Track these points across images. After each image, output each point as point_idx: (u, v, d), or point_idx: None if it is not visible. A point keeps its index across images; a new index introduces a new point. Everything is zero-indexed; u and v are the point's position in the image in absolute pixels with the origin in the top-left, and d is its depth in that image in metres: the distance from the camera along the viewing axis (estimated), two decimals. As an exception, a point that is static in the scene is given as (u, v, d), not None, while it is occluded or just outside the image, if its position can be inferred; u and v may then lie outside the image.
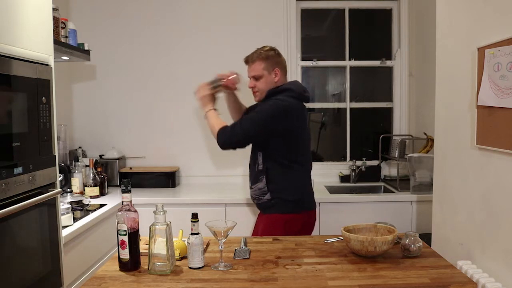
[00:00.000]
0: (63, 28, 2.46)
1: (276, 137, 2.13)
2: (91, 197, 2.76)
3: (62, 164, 2.79)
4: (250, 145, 2.27)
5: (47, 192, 1.73)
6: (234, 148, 2.16)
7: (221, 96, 2.38)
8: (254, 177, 2.25)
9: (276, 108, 2.09)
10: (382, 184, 3.28)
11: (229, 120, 2.31)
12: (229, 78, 2.26)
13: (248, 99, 2.42)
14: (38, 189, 1.70)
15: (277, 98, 2.13)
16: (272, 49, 2.24)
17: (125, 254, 1.49)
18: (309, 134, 2.34)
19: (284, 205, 2.16)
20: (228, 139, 2.12)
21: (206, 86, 2.25)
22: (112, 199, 2.76)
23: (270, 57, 2.19)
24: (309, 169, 2.31)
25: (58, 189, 1.83)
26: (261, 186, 2.19)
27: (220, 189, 3.14)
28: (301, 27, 3.46)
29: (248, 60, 2.24)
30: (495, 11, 1.63)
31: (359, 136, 3.56)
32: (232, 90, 2.33)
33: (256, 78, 2.21)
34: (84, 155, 3.16)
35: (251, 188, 2.29)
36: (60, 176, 2.06)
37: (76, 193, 2.81)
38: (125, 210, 1.47)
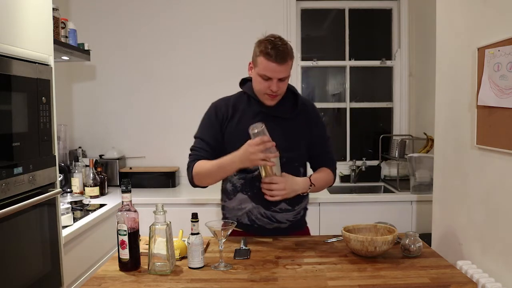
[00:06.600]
0: (63, 28, 2.46)
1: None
2: (91, 197, 2.76)
3: (62, 164, 2.79)
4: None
5: (47, 192, 1.73)
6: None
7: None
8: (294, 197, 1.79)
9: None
10: (382, 184, 3.28)
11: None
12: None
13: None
14: (38, 189, 1.70)
15: (308, 102, 2.02)
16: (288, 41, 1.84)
17: (125, 254, 1.48)
18: None
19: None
20: (335, 177, 1.94)
21: (262, 153, 1.65)
22: (112, 199, 2.76)
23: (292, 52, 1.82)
24: None
25: (58, 189, 1.83)
26: (305, 205, 1.91)
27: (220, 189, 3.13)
28: (301, 27, 3.46)
29: (282, 60, 1.72)
30: (495, 11, 1.63)
31: (359, 136, 3.56)
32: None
33: (283, 79, 1.79)
34: (84, 155, 3.16)
35: (291, 210, 1.83)
36: (60, 176, 2.06)
37: (76, 193, 2.82)
38: (125, 210, 1.47)
